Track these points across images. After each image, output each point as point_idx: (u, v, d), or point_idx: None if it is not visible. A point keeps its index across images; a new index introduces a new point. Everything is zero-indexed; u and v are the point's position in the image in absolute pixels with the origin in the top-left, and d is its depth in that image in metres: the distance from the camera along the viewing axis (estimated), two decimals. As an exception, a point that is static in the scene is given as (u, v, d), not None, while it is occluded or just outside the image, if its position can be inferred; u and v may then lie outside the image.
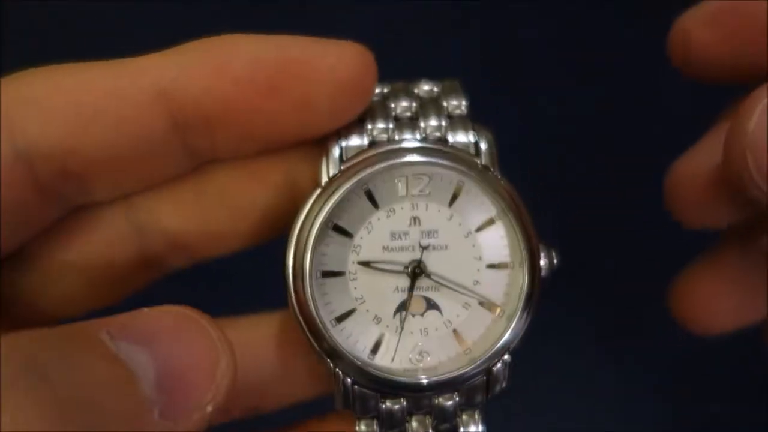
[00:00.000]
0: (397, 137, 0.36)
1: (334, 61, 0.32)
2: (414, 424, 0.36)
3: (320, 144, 0.36)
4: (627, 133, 0.64)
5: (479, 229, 0.36)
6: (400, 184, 0.36)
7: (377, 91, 0.37)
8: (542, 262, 0.36)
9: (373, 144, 0.36)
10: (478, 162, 0.36)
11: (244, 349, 0.38)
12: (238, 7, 0.65)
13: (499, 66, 0.65)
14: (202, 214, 0.37)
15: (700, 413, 0.59)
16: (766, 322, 0.42)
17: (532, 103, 0.64)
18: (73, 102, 0.32)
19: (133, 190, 0.36)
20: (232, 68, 0.32)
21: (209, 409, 0.29)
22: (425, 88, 0.37)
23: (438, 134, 0.36)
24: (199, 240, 0.37)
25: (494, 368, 0.36)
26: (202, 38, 0.33)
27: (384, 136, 0.36)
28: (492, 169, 0.36)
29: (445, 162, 0.35)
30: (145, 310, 0.30)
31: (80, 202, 0.36)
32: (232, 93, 0.32)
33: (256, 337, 0.39)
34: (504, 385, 0.37)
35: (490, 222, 0.36)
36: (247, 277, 0.47)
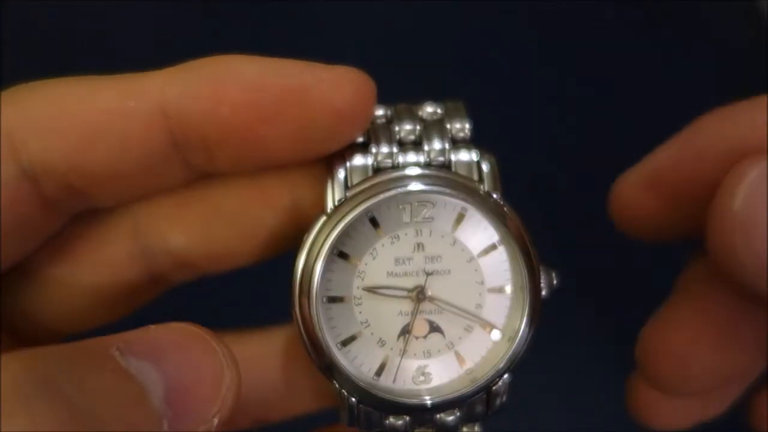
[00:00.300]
0: (401, 161, 0.36)
1: (331, 90, 0.33)
2: None
3: (324, 164, 0.36)
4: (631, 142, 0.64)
5: (481, 254, 0.37)
6: (404, 211, 0.36)
7: (381, 113, 0.37)
8: (542, 284, 0.37)
9: (377, 170, 0.36)
10: (481, 188, 0.36)
11: (250, 363, 0.39)
12: (238, 6, 0.65)
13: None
14: (208, 234, 0.37)
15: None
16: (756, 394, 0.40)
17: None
18: (77, 121, 0.33)
19: (132, 200, 0.37)
20: (230, 94, 0.32)
21: (215, 421, 0.30)
22: (429, 110, 0.38)
23: (442, 159, 0.36)
24: (204, 258, 0.38)
25: (494, 387, 0.37)
26: (205, 58, 0.33)
27: (389, 161, 0.36)
28: (494, 195, 0.36)
29: (448, 190, 0.36)
30: (153, 327, 0.31)
31: (81, 210, 0.36)
32: (229, 118, 0.33)
33: (262, 351, 0.40)
34: (504, 399, 0.38)
35: (492, 247, 0.37)
36: (251, 289, 0.48)
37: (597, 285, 0.60)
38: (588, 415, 0.60)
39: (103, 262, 0.37)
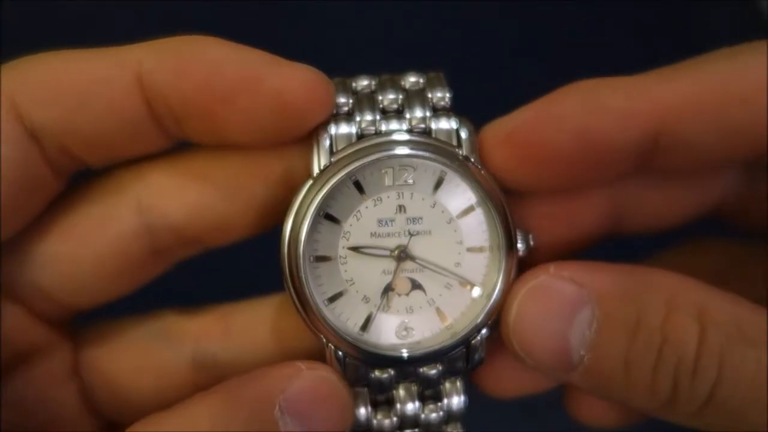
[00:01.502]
0: (384, 128, 0.38)
1: (282, 85, 0.35)
2: (401, 391, 0.39)
3: (312, 135, 0.38)
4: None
5: (460, 215, 0.39)
6: (386, 174, 0.38)
7: (365, 83, 0.39)
8: (519, 245, 0.39)
9: (361, 136, 0.38)
10: (459, 153, 0.38)
11: (246, 333, 0.42)
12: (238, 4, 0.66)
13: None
14: (206, 208, 0.39)
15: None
16: None
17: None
18: (69, 88, 0.36)
19: (120, 160, 0.40)
20: (193, 72, 0.36)
21: None
22: (411, 80, 0.39)
23: (423, 126, 0.38)
24: (204, 232, 0.40)
25: (473, 341, 0.39)
26: (182, 36, 0.36)
27: (372, 129, 0.38)
28: (472, 159, 0.38)
29: (428, 154, 0.38)
30: (307, 377, 0.36)
31: (76, 169, 0.39)
32: (190, 94, 0.36)
33: (256, 320, 0.42)
34: (483, 354, 0.40)
35: (470, 209, 0.39)
36: (248, 260, 0.49)
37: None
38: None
39: (108, 239, 0.39)
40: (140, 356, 0.42)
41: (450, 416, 0.40)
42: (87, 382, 0.42)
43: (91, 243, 0.39)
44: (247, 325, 0.42)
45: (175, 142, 0.39)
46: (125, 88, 0.36)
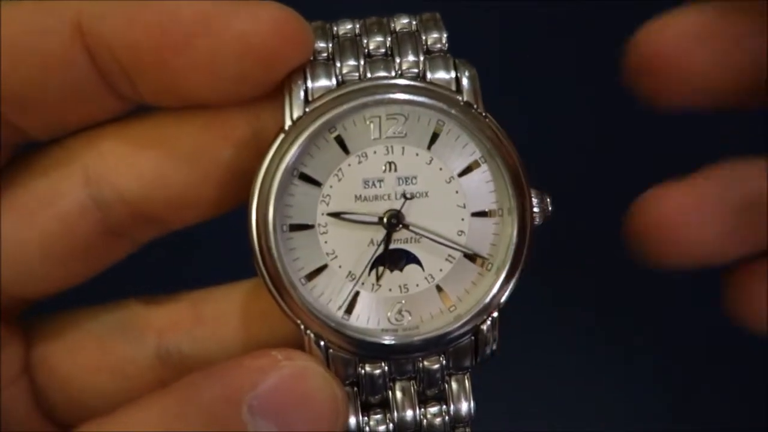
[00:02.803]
0: (369, 75, 0.33)
1: (246, 24, 0.31)
2: (398, 393, 0.34)
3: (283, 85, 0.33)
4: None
5: (462, 173, 0.34)
6: (372, 125, 0.33)
7: (348, 26, 0.34)
8: (535, 210, 0.34)
9: (342, 83, 0.33)
10: (460, 99, 0.33)
11: (217, 322, 0.38)
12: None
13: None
14: (161, 177, 0.35)
15: (700, 410, 0.58)
16: None
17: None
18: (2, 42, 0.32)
19: (67, 130, 0.35)
20: (143, 15, 0.31)
21: None
22: (402, 21, 0.34)
23: (415, 70, 0.33)
24: (163, 207, 0.35)
25: (482, 327, 0.33)
26: None
27: (355, 75, 0.33)
28: (475, 106, 0.33)
29: (422, 99, 0.33)
30: (285, 369, 0.31)
31: (18, 142, 0.35)
32: (142, 42, 0.31)
33: (229, 308, 0.38)
34: (494, 347, 0.34)
35: (475, 165, 0.34)
36: (219, 243, 0.45)
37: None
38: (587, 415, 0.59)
39: (52, 216, 0.35)
40: (98, 352, 0.38)
41: (457, 421, 0.34)
42: (39, 382, 0.38)
43: (35, 223, 0.35)
44: (218, 314, 0.38)
45: (131, 106, 0.35)
46: (62, 37, 0.32)
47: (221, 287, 0.39)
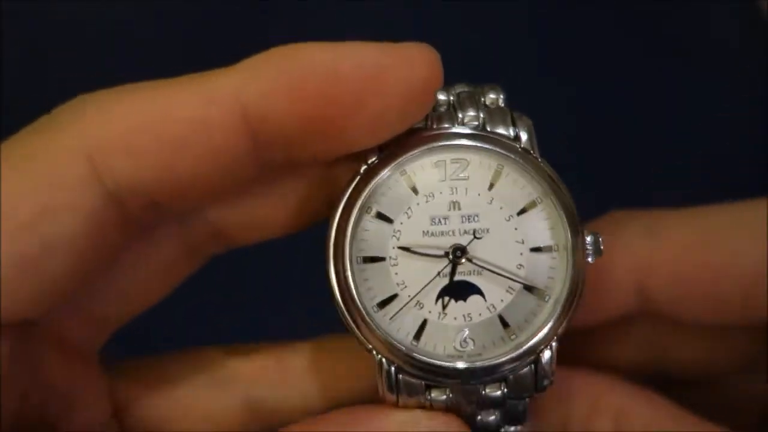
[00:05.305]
0: (435, 126, 0.36)
1: (407, 71, 0.31)
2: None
3: None
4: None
5: (521, 212, 0.36)
6: (438, 168, 0.36)
7: (443, 98, 0.37)
8: (589, 247, 0.36)
9: (410, 130, 0.36)
10: (518, 146, 0.36)
11: (301, 377, 0.40)
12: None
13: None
14: (243, 205, 0.37)
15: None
16: None
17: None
18: (161, 134, 0.30)
19: (207, 204, 0.36)
20: (309, 89, 0.30)
21: None
22: (463, 89, 0.37)
23: (476, 123, 0.36)
24: (239, 230, 0.37)
25: (542, 356, 0.35)
26: (275, 50, 0.31)
27: (421, 124, 0.36)
28: (532, 152, 0.36)
29: (484, 145, 0.35)
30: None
31: (157, 223, 0.36)
32: (310, 114, 0.31)
33: (311, 364, 0.40)
34: (552, 379, 0.36)
35: (532, 205, 0.36)
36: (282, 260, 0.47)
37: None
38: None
39: (147, 240, 0.36)
40: (189, 399, 0.39)
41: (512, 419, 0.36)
42: (128, 427, 0.38)
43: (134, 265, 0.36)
44: (303, 369, 0.39)
45: (266, 172, 0.35)
46: (228, 126, 0.31)
47: (305, 342, 0.40)
